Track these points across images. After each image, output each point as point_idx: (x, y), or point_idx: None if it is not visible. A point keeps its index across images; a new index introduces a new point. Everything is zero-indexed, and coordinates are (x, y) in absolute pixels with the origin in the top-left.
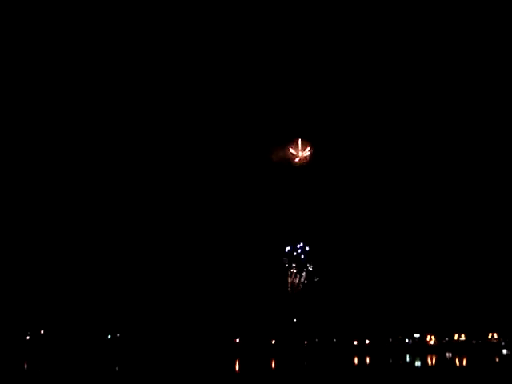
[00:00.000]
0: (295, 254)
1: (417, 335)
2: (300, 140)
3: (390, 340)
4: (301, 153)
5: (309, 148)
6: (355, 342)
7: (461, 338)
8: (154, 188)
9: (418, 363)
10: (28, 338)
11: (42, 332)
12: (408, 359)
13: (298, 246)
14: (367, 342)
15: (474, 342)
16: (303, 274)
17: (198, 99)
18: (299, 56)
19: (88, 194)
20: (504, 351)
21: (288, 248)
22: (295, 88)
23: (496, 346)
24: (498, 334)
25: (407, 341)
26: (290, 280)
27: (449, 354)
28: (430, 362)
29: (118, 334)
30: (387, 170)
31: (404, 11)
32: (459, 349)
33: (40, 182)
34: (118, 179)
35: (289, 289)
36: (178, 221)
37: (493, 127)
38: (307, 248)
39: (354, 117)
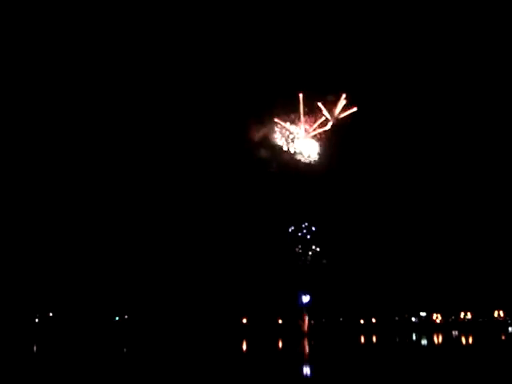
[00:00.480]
0: (300, 234)
1: (423, 314)
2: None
3: (397, 319)
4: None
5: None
6: (362, 321)
7: (467, 317)
8: (160, 172)
9: (424, 342)
10: (37, 320)
11: (51, 314)
12: (414, 338)
13: (303, 226)
14: (374, 320)
15: (480, 320)
16: (308, 255)
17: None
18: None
19: (99, 183)
20: (510, 329)
21: (292, 228)
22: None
23: (502, 324)
24: (504, 312)
25: (413, 319)
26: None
27: (455, 333)
28: (436, 341)
29: (126, 316)
30: (395, 153)
31: None
32: (465, 327)
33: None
34: (127, 169)
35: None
36: (181, 203)
37: (494, 127)
38: (313, 228)
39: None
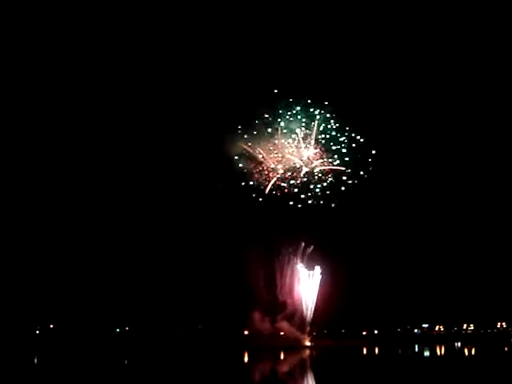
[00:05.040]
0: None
1: (425, 325)
2: None
3: (399, 330)
4: None
5: None
6: (364, 333)
7: (469, 328)
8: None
9: (426, 353)
10: (38, 332)
11: (52, 326)
12: (417, 349)
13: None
14: (376, 332)
15: (482, 331)
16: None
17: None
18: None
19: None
20: None
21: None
22: None
23: (505, 335)
24: (506, 323)
25: (416, 331)
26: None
27: (458, 344)
28: (438, 352)
29: (127, 328)
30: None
31: None
32: (468, 338)
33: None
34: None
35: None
36: (177, 218)
37: (493, 127)
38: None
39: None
